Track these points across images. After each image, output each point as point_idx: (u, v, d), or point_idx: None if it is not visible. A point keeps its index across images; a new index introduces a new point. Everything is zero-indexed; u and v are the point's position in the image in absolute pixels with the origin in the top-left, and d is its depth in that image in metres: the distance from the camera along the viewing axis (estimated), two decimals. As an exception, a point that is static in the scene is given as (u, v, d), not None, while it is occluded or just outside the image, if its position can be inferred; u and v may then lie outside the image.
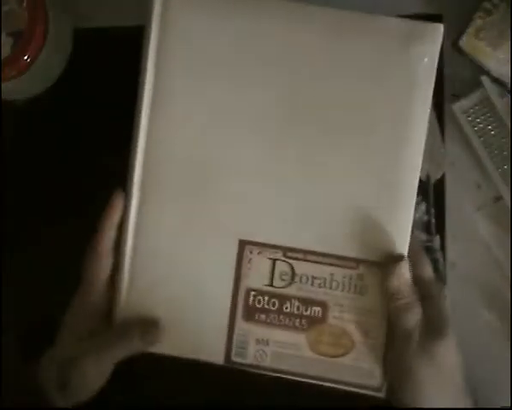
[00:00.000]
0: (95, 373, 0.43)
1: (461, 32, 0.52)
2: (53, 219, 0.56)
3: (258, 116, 0.44)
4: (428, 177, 0.53)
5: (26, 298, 0.55)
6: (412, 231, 0.44)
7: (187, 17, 0.44)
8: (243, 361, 0.45)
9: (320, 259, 0.44)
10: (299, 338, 0.44)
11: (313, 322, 0.44)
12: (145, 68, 0.45)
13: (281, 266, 0.44)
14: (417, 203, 0.53)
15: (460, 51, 0.52)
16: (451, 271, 0.54)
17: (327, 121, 0.44)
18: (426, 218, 0.53)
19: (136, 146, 0.44)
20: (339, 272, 0.44)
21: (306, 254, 0.44)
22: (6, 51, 0.52)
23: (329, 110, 0.44)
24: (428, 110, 0.44)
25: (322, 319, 0.44)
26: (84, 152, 0.57)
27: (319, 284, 0.44)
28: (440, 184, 0.54)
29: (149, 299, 0.45)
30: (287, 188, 0.44)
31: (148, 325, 0.44)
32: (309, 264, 0.44)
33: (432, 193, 0.53)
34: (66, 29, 0.57)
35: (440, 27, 0.43)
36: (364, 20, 0.44)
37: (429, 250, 0.53)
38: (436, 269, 0.52)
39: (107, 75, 0.57)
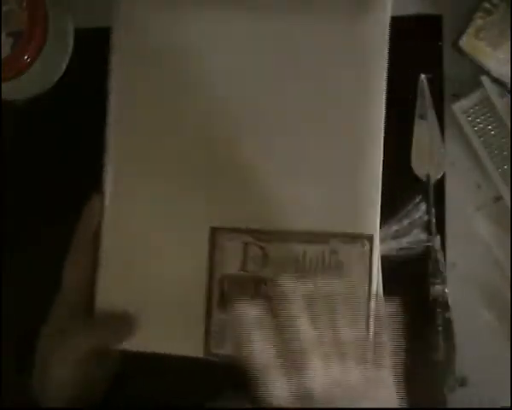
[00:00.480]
0: (68, 367, 0.43)
1: (461, 32, 0.52)
2: (53, 220, 0.56)
3: (222, 99, 0.44)
4: (428, 177, 0.53)
5: (25, 298, 0.55)
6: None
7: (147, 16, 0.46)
8: (223, 352, 0.44)
9: (290, 237, 0.43)
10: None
11: None
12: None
13: (253, 250, 0.44)
14: (417, 203, 0.53)
15: (460, 51, 0.52)
16: (451, 271, 0.53)
17: (286, 99, 0.44)
18: (426, 218, 0.53)
19: (108, 139, 0.46)
20: (311, 249, 0.43)
21: (276, 235, 0.43)
22: (6, 51, 0.52)
23: (290, 88, 0.44)
24: (385, 76, 0.44)
25: None
26: (84, 152, 0.56)
27: (293, 264, 0.43)
28: (440, 184, 0.54)
29: (125, 296, 0.45)
30: (251, 170, 0.44)
31: (119, 321, 0.44)
32: (280, 244, 0.43)
33: (432, 193, 0.53)
34: (67, 29, 0.57)
35: None
36: None
37: (429, 250, 0.53)
38: (436, 269, 0.52)
39: (107, 75, 0.57)
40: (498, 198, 0.54)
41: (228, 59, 0.45)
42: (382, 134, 0.43)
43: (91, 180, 0.56)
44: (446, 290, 0.52)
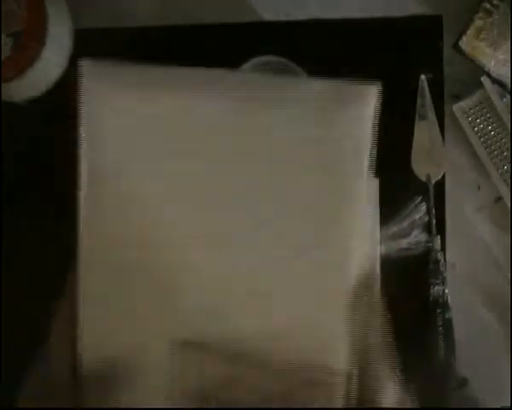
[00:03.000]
0: None
1: (461, 33, 0.52)
2: (53, 220, 0.56)
3: (193, 191, 0.40)
4: (428, 177, 0.53)
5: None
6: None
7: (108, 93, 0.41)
8: None
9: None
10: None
11: None
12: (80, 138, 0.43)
13: (212, 369, 0.40)
14: (418, 204, 0.53)
15: (460, 52, 0.52)
16: (451, 271, 0.54)
17: (253, 208, 0.39)
18: (426, 218, 0.53)
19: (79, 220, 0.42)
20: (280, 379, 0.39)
21: (240, 358, 0.39)
22: (6, 51, 0.51)
23: (260, 184, 0.39)
24: (365, 174, 0.38)
25: None
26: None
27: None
28: (441, 184, 0.54)
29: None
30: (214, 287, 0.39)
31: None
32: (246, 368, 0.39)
33: (432, 194, 0.53)
34: (66, 29, 0.57)
35: (375, 89, 0.37)
36: (291, 85, 0.39)
37: (429, 251, 0.53)
38: (436, 269, 0.53)
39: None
40: (498, 199, 0.54)
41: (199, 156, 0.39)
42: (353, 260, 0.38)
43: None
44: (446, 291, 0.52)
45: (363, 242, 0.39)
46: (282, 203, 0.39)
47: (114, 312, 0.41)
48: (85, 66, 0.42)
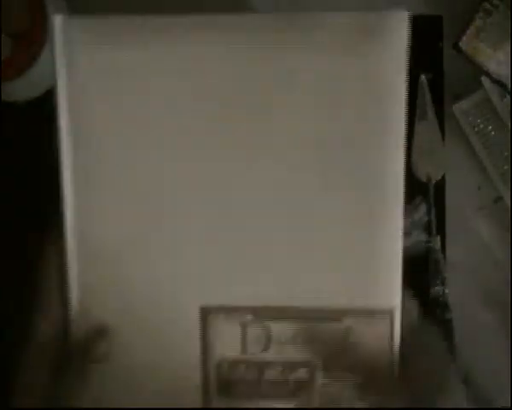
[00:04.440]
0: None
1: (461, 33, 0.52)
2: (53, 221, 0.56)
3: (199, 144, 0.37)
4: (429, 178, 0.53)
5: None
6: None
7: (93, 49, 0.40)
8: None
9: (298, 314, 0.38)
10: (288, 407, 0.38)
11: (301, 386, 0.38)
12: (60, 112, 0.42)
13: (253, 330, 0.38)
14: (418, 204, 0.53)
15: (460, 52, 0.52)
16: (451, 271, 0.54)
17: (292, 149, 0.37)
18: (426, 218, 0.53)
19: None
20: (322, 327, 0.38)
21: (282, 312, 0.38)
22: (6, 52, 0.51)
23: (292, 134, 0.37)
24: (403, 124, 0.40)
25: (311, 382, 0.38)
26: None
27: (301, 343, 0.38)
28: (441, 184, 0.54)
29: (110, 388, 0.39)
30: (251, 236, 0.38)
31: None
32: (286, 322, 0.38)
33: (432, 194, 0.53)
34: (67, 29, 0.57)
35: (404, 15, 0.36)
36: (317, 18, 0.37)
37: (429, 251, 0.53)
38: (436, 269, 0.53)
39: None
40: (498, 199, 0.54)
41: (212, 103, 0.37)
42: (402, 194, 0.40)
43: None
44: (446, 291, 0.52)
45: None
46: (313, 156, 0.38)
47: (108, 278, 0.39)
48: (59, 21, 0.39)
